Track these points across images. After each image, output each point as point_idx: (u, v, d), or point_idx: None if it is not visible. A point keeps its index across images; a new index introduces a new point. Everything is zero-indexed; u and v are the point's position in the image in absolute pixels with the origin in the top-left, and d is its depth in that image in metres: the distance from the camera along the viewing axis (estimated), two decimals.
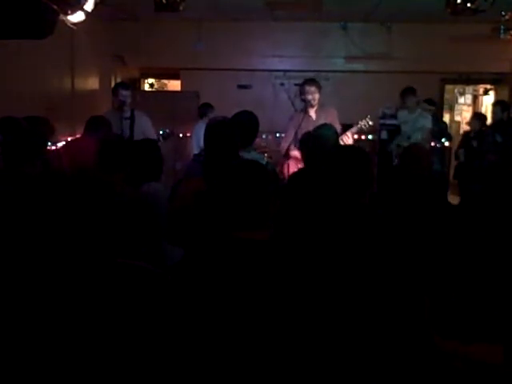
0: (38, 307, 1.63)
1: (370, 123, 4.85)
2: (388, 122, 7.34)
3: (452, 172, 7.16)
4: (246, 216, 1.68)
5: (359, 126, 4.80)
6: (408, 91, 6.04)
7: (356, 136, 5.03)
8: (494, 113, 6.34)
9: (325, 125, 3.86)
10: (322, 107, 4.85)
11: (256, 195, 1.69)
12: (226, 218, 1.70)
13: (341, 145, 4.23)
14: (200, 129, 5.39)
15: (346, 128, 4.76)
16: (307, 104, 4.81)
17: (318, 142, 3.46)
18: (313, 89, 4.78)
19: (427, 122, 5.94)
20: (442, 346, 1.45)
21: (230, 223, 1.69)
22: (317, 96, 4.78)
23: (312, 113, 4.83)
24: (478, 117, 6.83)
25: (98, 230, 1.88)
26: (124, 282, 1.80)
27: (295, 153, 4.54)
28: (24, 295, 1.66)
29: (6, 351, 1.59)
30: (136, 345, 1.69)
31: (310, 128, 4.26)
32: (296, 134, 4.59)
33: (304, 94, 4.84)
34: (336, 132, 3.86)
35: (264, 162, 3.27)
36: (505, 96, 8.06)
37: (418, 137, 5.73)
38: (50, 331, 1.61)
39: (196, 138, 6.03)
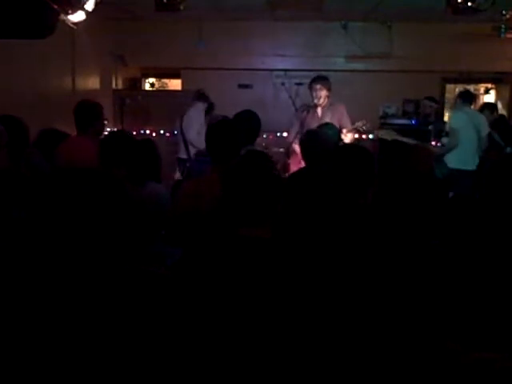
0: (38, 307, 1.63)
1: (368, 125, 4.86)
2: (389, 121, 7.34)
3: None
4: (254, 214, 1.68)
5: (355, 126, 4.80)
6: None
7: (357, 135, 5.03)
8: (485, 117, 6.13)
9: (326, 124, 3.86)
10: (330, 105, 4.83)
11: (266, 193, 1.69)
12: (235, 215, 1.70)
13: (343, 144, 4.23)
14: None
15: None
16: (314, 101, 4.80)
17: (316, 141, 3.46)
18: (318, 86, 4.76)
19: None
20: (453, 350, 1.43)
21: (236, 221, 1.69)
22: (323, 93, 4.75)
23: (319, 110, 4.82)
24: (486, 107, 6.39)
25: (105, 229, 1.87)
26: (128, 284, 1.79)
27: (297, 148, 4.55)
28: (27, 293, 1.66)
29: (7, 349, 1.60)
30: (138, 345, 1.69)
31: (315, 125, 4.27)
32: (302, 128, 4.60)
33: (310, 91, 4.84)
34: (338, 132, 3.87)
35: None
36: (506, 95, 8.06)
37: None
38: (51, 331, 1.62)
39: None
